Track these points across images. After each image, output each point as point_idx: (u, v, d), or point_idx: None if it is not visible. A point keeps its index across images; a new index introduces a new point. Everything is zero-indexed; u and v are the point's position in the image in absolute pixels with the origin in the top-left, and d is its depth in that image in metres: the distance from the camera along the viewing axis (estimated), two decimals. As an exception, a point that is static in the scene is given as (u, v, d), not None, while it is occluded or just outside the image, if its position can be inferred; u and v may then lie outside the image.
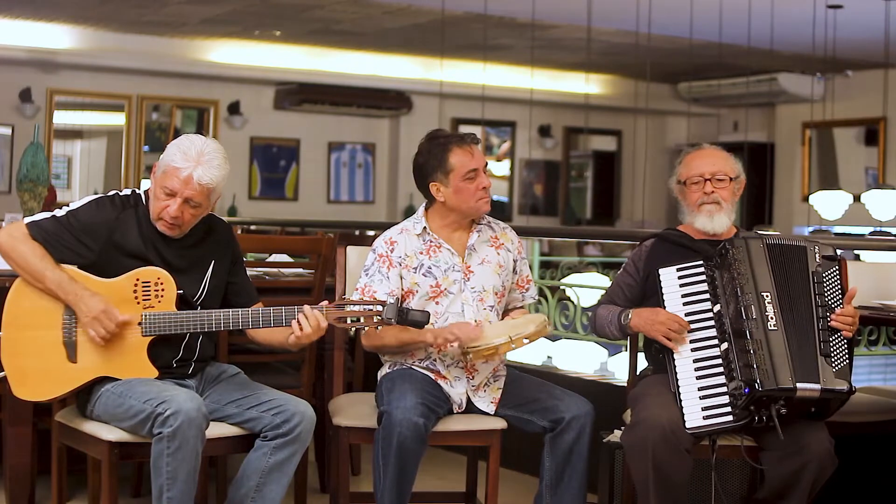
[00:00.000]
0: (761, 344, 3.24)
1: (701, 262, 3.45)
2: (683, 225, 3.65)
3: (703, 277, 3.43)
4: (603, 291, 3.84)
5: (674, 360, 3.39)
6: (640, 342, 3.80)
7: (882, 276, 4.07)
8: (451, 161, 3.53)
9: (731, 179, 3.56)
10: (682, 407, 3.30)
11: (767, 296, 3.31)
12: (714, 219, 3.53)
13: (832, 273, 3.39)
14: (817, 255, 3.40)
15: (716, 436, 3.31)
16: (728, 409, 3.28)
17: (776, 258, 3.38)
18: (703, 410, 3.29)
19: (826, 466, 3.26)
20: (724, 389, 3.30)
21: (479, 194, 3.55)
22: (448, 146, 3.54)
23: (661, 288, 3.45)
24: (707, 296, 3.41)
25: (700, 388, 3.32)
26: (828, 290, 3.35)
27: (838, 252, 3.47)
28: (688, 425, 3.27)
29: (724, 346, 3.33)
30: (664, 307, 3.43)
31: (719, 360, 3.34)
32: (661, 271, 3.47)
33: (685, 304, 3.42)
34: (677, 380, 3.35)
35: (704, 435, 3.30)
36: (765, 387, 3.19)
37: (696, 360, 3.37)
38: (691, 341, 3.38)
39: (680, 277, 3.45)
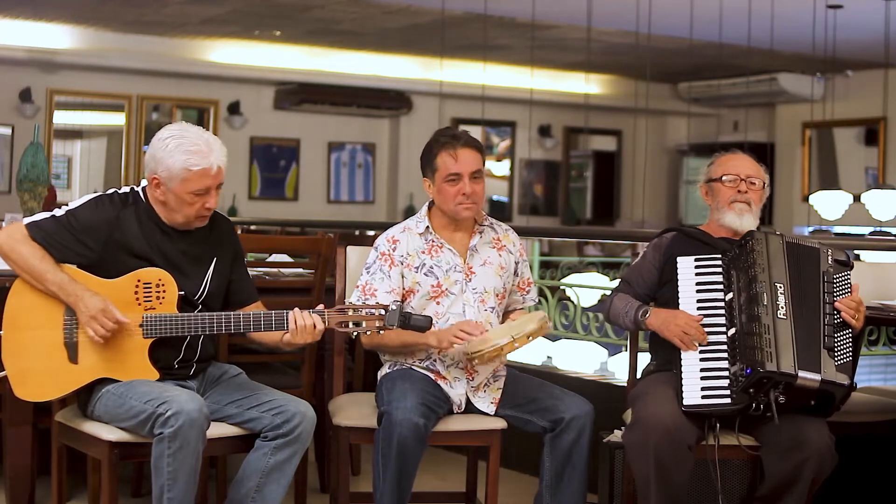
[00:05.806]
0: (769, 329, 3.29)
1: (719, 256, 3.50)
2: (704, 225, 3.70)
3: (719, 270, 3.48)
4: (602, 291, 3.83)
5: None
6: (640, 342, 3.81)
7: (882, 276, 4.07)
8: (436, 161, 3.53)
9: (763, 186, 3.63)
10: (681, 385, 3.34)
11: (781, 286, 3.36)
12: (743, 217, 3.57)
13: (843, 276, 3.45)
14: (829, 258, 3.46)
15: (713, 419, 3.33)
16: (727, 391, 3.31)
17: (792, 255, 3.44)
18: (701, 390, 3.33)
19: (826, 462, 3.28)
20: (726, 374, 3.33)
21: (458, 199, 3.52)
22: (439, 145, 3.55)
23: (678, 275, 3.50)
24: (720, 286, 3.45)
25: (702, 370, 3.36)
26: (837, 292, 3.40)
27: (850, 257, 3.52)
28: (685, 402, 3.31)
29: (732, 331, 3.38)
30: (678, 294, 3.48)
31: (725, 346, 3.38)
32: (679, 259, 3.52)
33: (698, 291, 3.47)
34: (681, 361, 3.39)
35: (699, 414, 3.32)
36: (767, 369, 3.22)
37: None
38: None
39: (697, 268, 3.50)
